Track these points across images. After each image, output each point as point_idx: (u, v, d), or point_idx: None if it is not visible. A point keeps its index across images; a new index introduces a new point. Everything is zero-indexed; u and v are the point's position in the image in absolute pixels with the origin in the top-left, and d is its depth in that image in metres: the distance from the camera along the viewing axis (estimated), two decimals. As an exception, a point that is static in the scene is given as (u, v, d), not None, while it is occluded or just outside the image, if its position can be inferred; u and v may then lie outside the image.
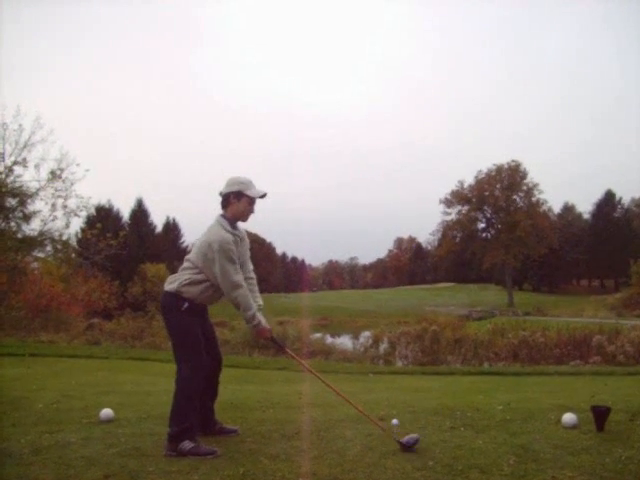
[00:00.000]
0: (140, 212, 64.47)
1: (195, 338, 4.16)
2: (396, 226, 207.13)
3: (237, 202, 4.28)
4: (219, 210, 4.37)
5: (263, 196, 4.34)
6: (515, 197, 73.14)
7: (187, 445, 3.93)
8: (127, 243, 24.98)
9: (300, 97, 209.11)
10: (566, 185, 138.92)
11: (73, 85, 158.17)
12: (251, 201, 4.32)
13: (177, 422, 4.00)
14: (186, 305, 4.16)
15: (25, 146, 19.04)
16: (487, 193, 72.75)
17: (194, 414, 4.09)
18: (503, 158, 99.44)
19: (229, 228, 4.21)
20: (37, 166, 18.88)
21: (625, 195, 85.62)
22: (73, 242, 23.63)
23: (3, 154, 18.75)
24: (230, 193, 4.29)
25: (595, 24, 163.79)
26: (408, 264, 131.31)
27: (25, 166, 18.82)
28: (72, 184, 19.14)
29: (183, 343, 4.19)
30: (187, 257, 4.34)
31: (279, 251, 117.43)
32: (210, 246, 4.11)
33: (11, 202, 19.28)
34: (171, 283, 4.26)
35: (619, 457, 3.80)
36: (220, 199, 4.35)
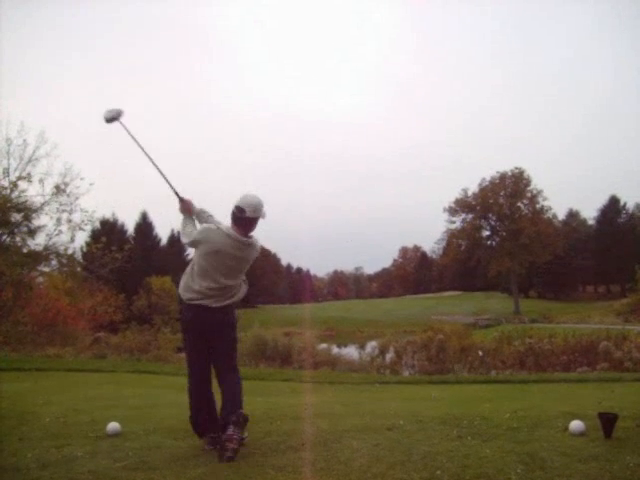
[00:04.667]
0: (145, 225, 64.68)
1: None
2: (401, 235, 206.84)
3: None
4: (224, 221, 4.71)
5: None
6: (519, 204, 73.06)
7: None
8: (132, 256, 25.01)
9: (303, 107, 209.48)
10: (570, 191, 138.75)
11: (76, 98, 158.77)
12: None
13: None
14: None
15: (29, 161, 19.15)
16: (491, 201, 72.71)
17: None
18: (507, 165, 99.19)
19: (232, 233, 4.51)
20: (41, 181, 18.94)
21: (629, 200, 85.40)
22: (78, 256, 23.68)
23: (8, 169, 18.86)
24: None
25: (600, 27, 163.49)
26: (413, 273, 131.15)
27: (30, 181, 18.89)
28: (77, 198, 19.20)
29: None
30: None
31: (284, 262, 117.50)
32: None
33: (16, 217, 19.34)
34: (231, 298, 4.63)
35: (627, 464, 3.78)
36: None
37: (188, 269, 4.61)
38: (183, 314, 4.62)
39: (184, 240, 4.72)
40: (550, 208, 74.00)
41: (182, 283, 4.60)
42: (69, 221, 19.23)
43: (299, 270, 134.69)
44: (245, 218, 4.50)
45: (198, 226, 4.75)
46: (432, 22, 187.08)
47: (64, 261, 20.50)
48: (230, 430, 4.15)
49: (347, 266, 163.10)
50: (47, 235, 19.67)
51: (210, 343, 4.53)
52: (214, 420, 4.54)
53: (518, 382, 10.16)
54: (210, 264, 4.47)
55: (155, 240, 66.01)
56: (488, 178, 74.05)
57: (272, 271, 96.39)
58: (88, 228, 21.30)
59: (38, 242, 19.98)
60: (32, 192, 19.16)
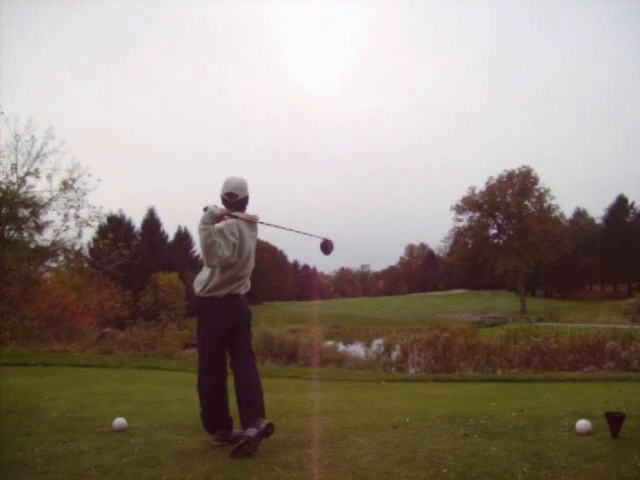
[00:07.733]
0: (152, 221, 64.86)
1: None
2: (407, 233, 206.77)
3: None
4: None
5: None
6: (527, 203, 72.86)
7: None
8: (139, 252, 25.04)
9: (310, 105, 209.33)
10: (578, 190, 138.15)
11: (84, 95, 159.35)
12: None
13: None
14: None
15: (37, 157, 19.23)
16: (498, 199, 72.54)
17: None
18: (514, 164, 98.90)
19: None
20: (49, 177, 19.06)
21: (638, 200, 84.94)
22: (85, 252, 23.79)
23: (16, 165, 18.94)
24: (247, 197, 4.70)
25: (614, 33, 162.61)
26: (420, 271, 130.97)
27: (37, 177, 19.00)
28: (84, 194, 19.31)
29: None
30: None
31: (290, 259, 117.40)
32: None
33: (24, 212, 19.44)
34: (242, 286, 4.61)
35: (634, 464, 3.76)
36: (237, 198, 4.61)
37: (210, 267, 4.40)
38: (204, 306, 4.49)
39: (226, 254, 4.23)
40: (558, 207, 73.87)
41: (213, 280, 4.42)
42: (76, 217, 19.33)
43: (305, 267, 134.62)
44: (238, 201, 4.57)
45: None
46: (443, 20, 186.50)
47: (71, 257, 20.62)
48: (253, 434, 4.13)
49: (354, 264, 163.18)
50: (54, 231, 19.78)
51: (228, 335, 4.51)
52: (225, 417, 4.53)
53: (524, 381, 10.12)
54: (248, 256, 4.55)
55: (162, 236, 66.22)
56: (496, 176, 73.93)
57: (278, 268, 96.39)
58: (95, 224, 21.43)
59: (45, 238, 20.11)
60: (40, 188, 19.28)
